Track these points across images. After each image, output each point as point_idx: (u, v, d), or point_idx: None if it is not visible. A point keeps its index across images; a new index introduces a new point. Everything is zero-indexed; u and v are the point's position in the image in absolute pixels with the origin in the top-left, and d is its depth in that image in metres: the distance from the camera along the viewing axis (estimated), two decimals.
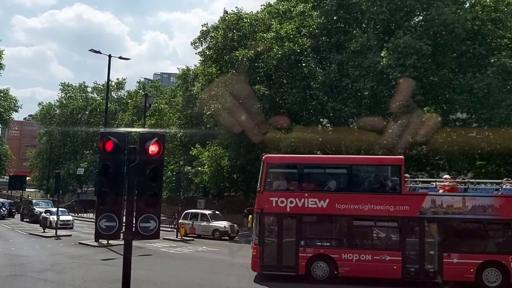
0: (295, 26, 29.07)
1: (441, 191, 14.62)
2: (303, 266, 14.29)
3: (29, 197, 55.67)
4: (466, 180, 15.37)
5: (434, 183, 15.35)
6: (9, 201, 54.38)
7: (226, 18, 32.84)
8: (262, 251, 14.45)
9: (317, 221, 14.89)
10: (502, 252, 13.83)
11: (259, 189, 14.96)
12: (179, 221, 28.18)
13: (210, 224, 28.06)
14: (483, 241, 14.43)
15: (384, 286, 13.86)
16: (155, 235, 6.72)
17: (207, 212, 29.99)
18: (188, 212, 29.66)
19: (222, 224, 28.22)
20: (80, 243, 24.15)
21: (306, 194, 14.50)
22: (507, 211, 13.92)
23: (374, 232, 14.85)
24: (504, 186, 14.63)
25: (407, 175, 15.24)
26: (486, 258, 13.77)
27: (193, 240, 26.28)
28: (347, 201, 14.38)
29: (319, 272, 14.34)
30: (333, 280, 14.08)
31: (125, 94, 66.61)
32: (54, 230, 28.52)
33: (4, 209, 43.82)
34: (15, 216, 46.15)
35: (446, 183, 14.93)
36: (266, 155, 15.44)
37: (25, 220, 41.63)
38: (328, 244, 14.67)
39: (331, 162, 16.90)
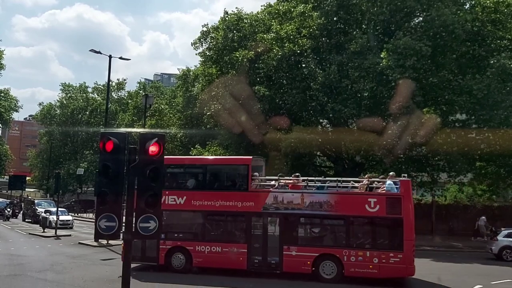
0: (295, 27, 29.09)
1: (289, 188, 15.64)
2: (162, 257, 15.79)
3: (29, 197, 55.67)
4: (307, 178, 16.00)
5: (276, 181, 15.98)
6: (8, 201, 54.18)
7: (226, 18, 32.86)
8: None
9: (176, 216, 16.14)
10: (337, 245, 14.81)
11: None
12: None
13: None
14: (320, 235, 15.48)
15: (236, 276, 14.82)
16: (155, 235, 6.74)
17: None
18: None
19: None
20: (79, 243, 24.18)
21: (167, 192, 15.35)
22: (341, 207, 14.77)
23: (225, 226, 16.22)
24: (388, 182, 14.80)
25: (256, 173, 16.13)
26: (322, 251, 14.78)
27: None
28: (202, 198, 15.82)
29: (176, 263, 15.87)
30: (188, 270, 15.64)
31: (126, 94, 66.70)
32: (53, 230, 28.55)
33: (8, 209, 43.66)
34: (18, 217, 46.10)
35: (290, 181, 15.90)
36: None
37: (27, 220, 41.62)
38: (185, 237, 16.03)
39: (190, 163, 18.39)
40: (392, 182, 14.66)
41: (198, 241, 15.74)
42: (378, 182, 15.26)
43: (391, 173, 15.76)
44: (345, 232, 14.86)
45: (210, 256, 15.50)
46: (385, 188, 14.70)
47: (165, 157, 7.11)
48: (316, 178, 16.68)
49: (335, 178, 16.70)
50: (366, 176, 16.33)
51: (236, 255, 15.23)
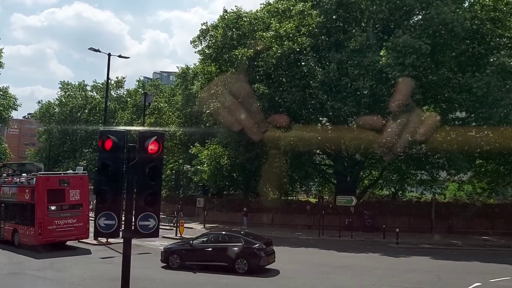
0: (294, 25, 29.06)
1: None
2: None
3: None
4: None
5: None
6: None
7: (226, 17, 32.83)
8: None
9: None
10: (16, 222, 21.44)
11: None
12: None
13: None
14: (12, 215, 21.85)
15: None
16: (155, 234, 6.73)
17: None
18: None
19: None
20: (79, 241, 24.14)
21: None
22: (21, 196, 21.17)
23: None
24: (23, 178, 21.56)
25: None
26: (14, 226, 21.44)
27: None
28: None
29: None
30: None
31: (125, 92, 66.59)
32: None
33: None
34: None
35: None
36: None
37: None
38: None
39: None
40: (27, 177, 21.21)
41: None
42: (18, 178, 22.20)
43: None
44: (19, 213, 21.25)
45: None
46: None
47: None
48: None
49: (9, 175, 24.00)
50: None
51: None
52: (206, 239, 16.71)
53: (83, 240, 24.05)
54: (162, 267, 16.48)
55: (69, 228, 20.54)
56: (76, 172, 23.61)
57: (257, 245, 15.37)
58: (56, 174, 24.38)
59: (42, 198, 19.87)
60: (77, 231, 20.79)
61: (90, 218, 20.23)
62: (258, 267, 15.04)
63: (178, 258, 16.16)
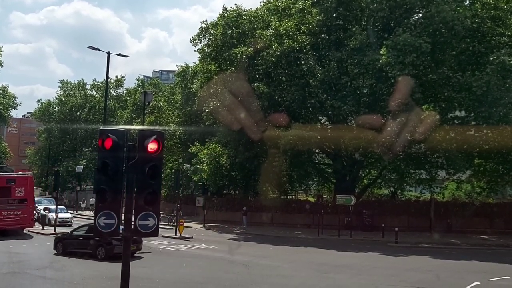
0: (294, 23, 29.02)
1: None
2: None
3: None
4: None
5: None
6: None
7: (225, 15, 32.75)
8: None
9: None
10: None
11: None
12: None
13: None
14: None
15: None
16: (154, 233, 6.72)
17: None
18: None
19: None
20: None
21: None
22: None
23: None
24: None
25: None
26: None
27: (192, 237, 26.32)
28: None
29: None
30: None
31: (124, 91, 66.54)
32: (53, 228, 28.51)
33: None
34: None
35: None
36: None
37: None
38: None
39: None
40: None
41: None
42: None
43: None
44: None
45: None
46: None
47: None
48: None
49: None
50: None
51: None
52: (83, 229, 19.73)
53: None
54: (54, 254, 18.94)
55: (15, 218, 24.92)
56: (24, 173, 28.70)
57: None
58: (4, 174, 27.49)
59: None
60: (22, 221, 25.32)
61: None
62: (113, 254, 17.17)
63: (62, 245, 19.17)
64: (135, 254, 17.91)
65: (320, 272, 15.80)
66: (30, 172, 27.46)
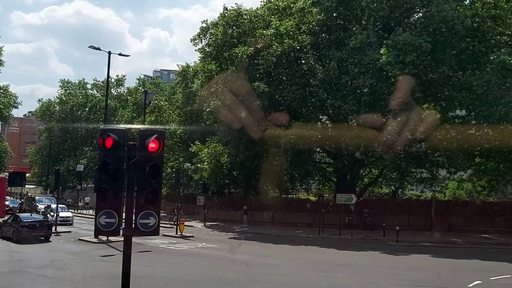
0: (294, 23, 29.03)
1: None
2: None
3: (29, 194, 55.57)
4: None
5: None
6: (18, 200, 53.82)
7: (226, 14, 32.78)
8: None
9: None
10: None
11: None
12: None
13: None
14: None
15: None
16: (155, 232, 6.73)
17: None
18: None
19: None
20: (79, 239, 24.21)
21: None
22: None
23: None
24: None
25: None
26: None
27: (192, 236, 26.36)
28: None
29: None
30: None
31: (125, 91, 66.58)
32: (53, 227, 28.51)
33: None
34: None
35: None
36: None
37: None
38: None
39: None
40: None
41: None
42: None
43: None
44: None
45: None
46: None
47: None
48: None
49: None
50: None
51: None
52: (11, 218, 24.32)
53: (83, 238, 24.19)
54: None
55: None
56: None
57: (22, 223, 22.65)
58: None
59: None
60: None
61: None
62: (21, 238, 22.05)
63: (0, 231, 23.97)
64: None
65: (321, 271, 15.81)
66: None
